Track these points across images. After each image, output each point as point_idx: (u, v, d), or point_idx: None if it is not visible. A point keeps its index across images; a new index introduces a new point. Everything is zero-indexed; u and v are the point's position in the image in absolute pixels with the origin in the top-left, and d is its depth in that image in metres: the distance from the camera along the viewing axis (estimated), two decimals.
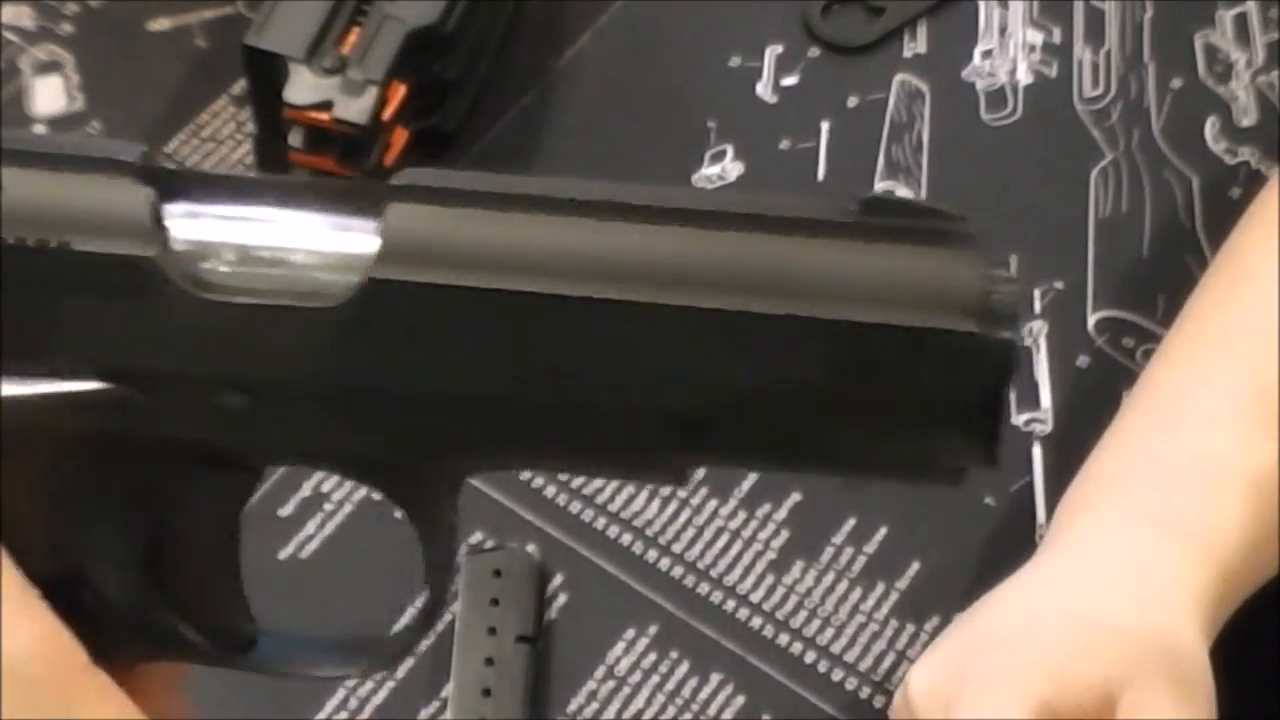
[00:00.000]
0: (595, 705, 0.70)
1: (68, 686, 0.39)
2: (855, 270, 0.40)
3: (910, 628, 0.72)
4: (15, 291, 0.40)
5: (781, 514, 0.74)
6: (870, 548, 0.74)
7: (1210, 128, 0.86)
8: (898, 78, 0.88)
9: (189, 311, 0.40)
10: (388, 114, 0.77)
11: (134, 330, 0.40)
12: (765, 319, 0.40)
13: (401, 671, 0.70)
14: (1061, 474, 0.71)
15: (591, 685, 0.70)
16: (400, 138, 0.80)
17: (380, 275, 0.40)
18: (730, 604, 0.72)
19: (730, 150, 0.85)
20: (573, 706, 0.70)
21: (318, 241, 0.41)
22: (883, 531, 0.74)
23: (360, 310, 0.40)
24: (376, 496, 0.45)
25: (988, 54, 0.89)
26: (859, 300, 0.40)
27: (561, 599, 0.72)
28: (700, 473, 0.70)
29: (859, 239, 0.40)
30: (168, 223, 0.40)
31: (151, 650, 0.43)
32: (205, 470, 0.42)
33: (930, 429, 0.40)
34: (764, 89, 0.87)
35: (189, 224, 0.40)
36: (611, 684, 0.70)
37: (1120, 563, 0.64)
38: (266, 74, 0.78)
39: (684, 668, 0.71)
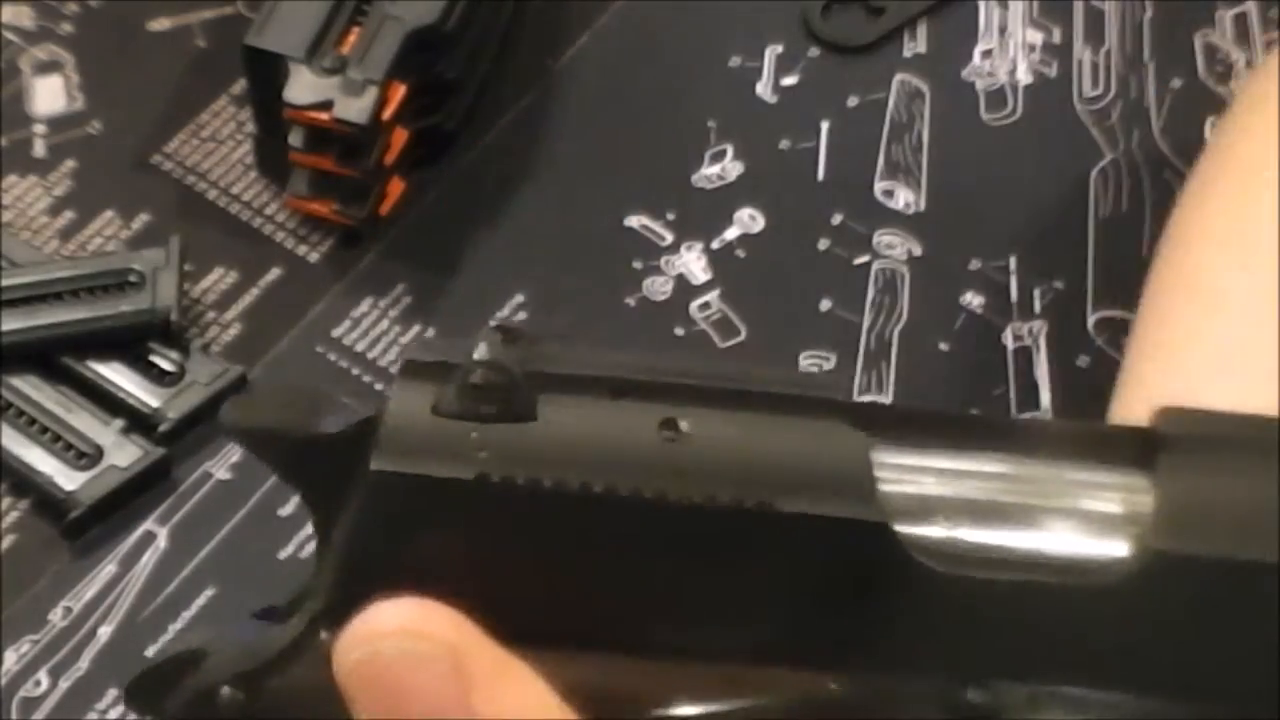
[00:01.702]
0: None
1: None
2: None
3: None
4: (709, 562, 0.33)
5: None
6: None
7: (1210, 128, 0.86)
8: (898, 78, 0.88)
9: (925, 591, 0.33)
10: (388, 114, 0.77)
11: (849, 615, 0.33)
12: None
13: None
14: None
15: None
16: (400, 138, 0.80)
17: (1164, 546, 0.33)
18: None
19: (730, 150, 0.85)
20: None
21: (1069, 500, 0.34)
22: None
23: (1140, 588, 0.33)
24: None
25: (988, 54, 0.88)
26: None
27: None
28: None
29: None
30: (880, 474, 0.33)
31: None
32: None
33: None
34: (764, 89, 0.87)
35: (903, 476, 0.34)
36: None
37: None
38: (266, 74, 0.78)
39: None
